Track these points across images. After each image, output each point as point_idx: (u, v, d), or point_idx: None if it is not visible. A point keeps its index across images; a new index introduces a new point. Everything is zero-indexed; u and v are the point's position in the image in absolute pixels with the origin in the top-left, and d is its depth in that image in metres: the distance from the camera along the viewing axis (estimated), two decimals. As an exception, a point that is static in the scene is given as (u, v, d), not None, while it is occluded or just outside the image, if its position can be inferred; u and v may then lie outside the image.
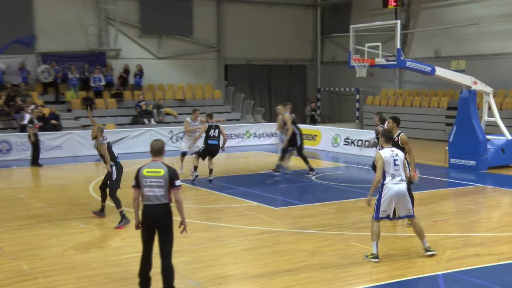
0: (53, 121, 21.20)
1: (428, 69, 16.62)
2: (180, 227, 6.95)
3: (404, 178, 8.15)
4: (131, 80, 25.81)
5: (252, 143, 22.87)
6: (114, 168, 10.41)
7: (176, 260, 8.14)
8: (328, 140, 21.22)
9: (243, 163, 17.98)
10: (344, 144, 20.28)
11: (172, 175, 6.69)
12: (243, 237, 9.49)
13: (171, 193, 6.73)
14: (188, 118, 15.71)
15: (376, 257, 8.05)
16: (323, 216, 10.96)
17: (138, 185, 6.75)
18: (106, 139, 10.54)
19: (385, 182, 8.06)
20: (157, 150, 6.82)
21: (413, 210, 8.44)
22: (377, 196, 8.20)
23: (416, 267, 7.89)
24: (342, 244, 9.01)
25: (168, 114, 24.76)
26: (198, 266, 7.96)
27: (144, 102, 23.99)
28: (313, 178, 15.04)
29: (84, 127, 22.27)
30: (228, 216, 10.93)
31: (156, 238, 6.86)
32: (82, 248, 8.89)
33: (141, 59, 26.49)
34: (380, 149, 8.42)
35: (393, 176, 8.05)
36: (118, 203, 10.31)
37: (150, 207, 6.74)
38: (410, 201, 8.37)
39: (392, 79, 28.70)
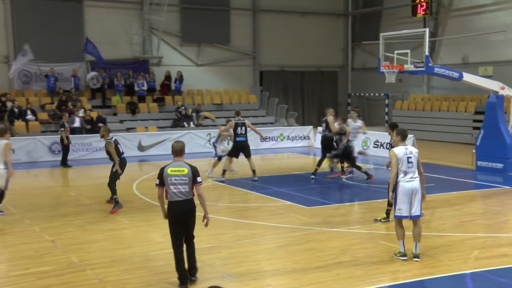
0: (100, 124, 21.59)
1: (455, 75, 16.30)
2: (203, 221, 7.12)
3: (417, 175, 7.85)
4: (172, 85, 26.11)
5: (286, 145, 22.84)
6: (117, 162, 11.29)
7: (213, 255, 8.22)
8: (358, 143, 20.99)
9: (277, 164, 17.97)
10: (374, 147, 20.05)
11: (195, 172, 6.94)
12: (277, 234, 9.48)
13: (194, 189, 6.96)
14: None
15: (403, 255, 7.93)
16: (354, 215, 10.87)
17: (162, 183, 6.96)
18: (112, 137, 11.48)
19: (398, 179, 7.84)
20: (178, 150, 7.01)
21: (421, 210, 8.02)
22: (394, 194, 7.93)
23: (443, 265, 7.74)
24: (371, 242, 8.91)
25: (206, 117, 24.96)
26: (234, 262, 7.99)
27: (183, 107, 24.20)
28: (343, 179, 14.94)
29: (128, 129, 22.63)
30: (262, 215, 10.94)
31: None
32: (126, 243, 9.03)
33: (181, 66, 26.78)
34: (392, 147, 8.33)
35: (406, 174, 7.83)
36: (114, 192, 11.26)
37: (178, 203, 6.93)
38: (420, 200, 7.97)
39: (421, 85, 28.25)
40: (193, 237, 7.17)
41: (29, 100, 22.53)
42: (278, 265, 7.88)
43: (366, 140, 20.79)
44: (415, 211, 7.92)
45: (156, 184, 6.97)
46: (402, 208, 7.85)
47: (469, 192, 12.86)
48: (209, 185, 14.19)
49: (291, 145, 22.98)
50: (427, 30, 16.33)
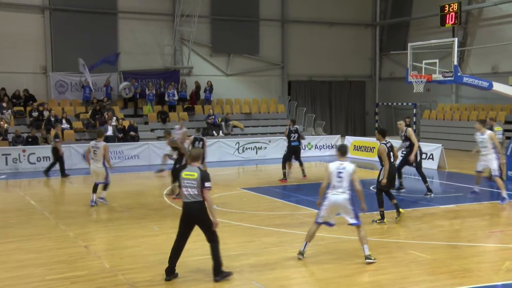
0: (132, 133, 21.89)
1: (485, 84, 16.02)
2: (212, 225, 7.43)
3: (345, 190, 8.03)
4: (202, 95, 26.31)
5: (313, 154, 22.73)
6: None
7: (241, 262, 8.21)
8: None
9: (305, 173, 17.82)
10: (401, 156, 19.77)
11: (203, 177, 7.28)
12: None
13: (203, 193, 7.27)
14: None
15: (301, 253, 8.23)
16: (381, 224, 10.72)
17: (180, 185, 7.54)
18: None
19: (327, 191, 8.17)
20: (195, 156, 7.51)
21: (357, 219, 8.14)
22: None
23: (473, 276, 7.57)
24: (399, 251, 8.77)
25: (235, 126, 25.05)
26: (262, 269, 7.96)
27: (213, 116, 24.35)
28: (371, 188, 14.75)
29: (159, 138, 22.87)
30: (290, 223, 10.88)
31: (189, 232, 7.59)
32: (156, 249, 9.08)
33: (211, 75, 27.00)
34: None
35: (334, 187, 8.08)
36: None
37: (187, 204, 7.38)
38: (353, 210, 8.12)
39: (449, 94, 27.82)
40: (212, 239, 7.44)
41: (64, 110, 23.00)
42: (306, 273, 7.83)
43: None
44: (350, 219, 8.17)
45: (178, 186, 7.59)
46: (324, 216, 8.21)
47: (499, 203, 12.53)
48: (235, 193, 14.21)
49: (318, 154, 22.87)
50: (456, 39, 16.12)
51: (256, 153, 21.96)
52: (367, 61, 31.67)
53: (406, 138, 13.40)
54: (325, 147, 23.34)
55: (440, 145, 18.82)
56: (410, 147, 13.37)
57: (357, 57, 30.89)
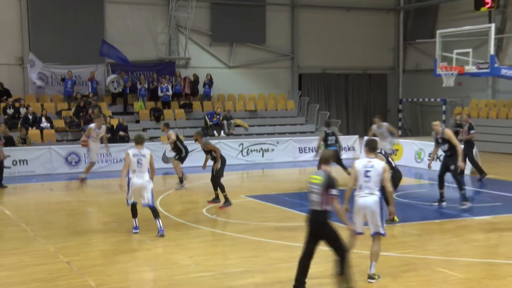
0: (121, 133, 21.92)
1: (526, 77, 15.94)
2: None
3: (373, 191, 8.01)
4: (200, 90, 26.30)
5: (328, 157, 22.67)
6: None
7: (246, 281, 8.19)
8: (410, 155, 20.73)
9: (318, 179, 17.87)
10: (429, 160, 19.71)
11: (329, 183, 7.33)
12: (318, 258, 9.34)
13: (328, 201, 7.35)
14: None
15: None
16: (405, 237, 10.67)
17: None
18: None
19: (354, 194, 8.20)
20: (326, 158, 7.73)
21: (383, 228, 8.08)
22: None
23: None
24: (426, 269, 8.72)
25: (238, 126, 25.04)
26: (270, 288, 7.93)
27: (218, 115, 24.31)
28: (394, 195, 14.69)
29: (152, 139, 22.89)
30: (301, 235, 10.74)
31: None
32: (149, 265, 9.08)
33: (211, 68, 27.01)
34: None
35: (361, 188, 8.08)
36: (222, 188, 13.32)
37: (311, 212, 7.54)
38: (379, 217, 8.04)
39: (484, 89, 27.71)
40: (340, 250, 7.42)
41: (44, 106, 23.06)
42: (320, 294, 7.79)
43: (420, 152, 20.47)
44: (375, 228, 8.12)
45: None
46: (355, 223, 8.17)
47: None
48: (239, 201, 14.20)
49: (334, 157, 22.78)
50: (493, 25, 16.10)
51: (262, 156, 21.96)
52: (389, 51, 31.60)
53: (444, 141, 13.08)
54: (340, 149, 23.23)
55: (474, 147, 18.72)
56: (450, 150, 13.02)
57: (377, 47, 30.82)
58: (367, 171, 8.03)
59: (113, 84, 24.37)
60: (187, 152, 16.42)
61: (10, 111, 22.20)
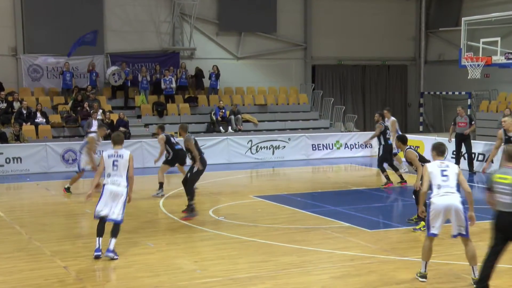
0: (122, 129, 21.98)
1: (558, 68, 15.86)
2: None
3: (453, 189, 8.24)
4: (206, 82, 26.33)
5: (343, 155, 22.69)
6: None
7: (255, 287, 8.21)
8: (433, 153, 20.64)
9: (332, 178, 17.89)
10: (452, 158, 19.66)
11: None
12: (332, 263, 9.41)
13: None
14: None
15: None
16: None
17: (491, 189, 7.57)
18: (191, 135, 13.08)
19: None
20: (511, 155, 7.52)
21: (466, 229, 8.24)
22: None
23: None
24: (450, 275, 8.72)
25: (246, 121, 25.05)
26: (280, 295, 7.97)
27: (223, 110, 24.36)
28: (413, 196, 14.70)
29: (154, 135, 22.93)
30: (314, 239, 10.88)
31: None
32: (151, 270, 9.13)
33: (218, 59, 27.02)
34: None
35: (439, 187, 8.22)
36: (192, 197, 12.46)
37: (501, 214, 7.44)
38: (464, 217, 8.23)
39: (513, 81, 27.56)
40: None
41: (39, 100, 23.18)
42: (334, 301, 7.82)
43: (443, 149, 20.40)
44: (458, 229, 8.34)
45: (487, 188, 7.67)
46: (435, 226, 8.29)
47: None
48: (248, 202, 14.24)
49: (349, 154, 22.83)
50: (522, 12, 15.99)
51: (273, 153, 21.98)
52: (410, 41, 31.49)
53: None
54: (357, 146, 23.29)
55: (502, 144, 18.63)
56: None
57: (397, 36, 30.72)
58: (444, 170, 8.31)
59: (114, 76, 24.43)
60: (176, 155, 15.29)
61: (2, 105, 22.33)
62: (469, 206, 8.25)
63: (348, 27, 29.42)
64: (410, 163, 11.59)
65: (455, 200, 8.15)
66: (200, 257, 9.80)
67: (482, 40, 16.57)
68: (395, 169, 16.54)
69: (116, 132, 10.73)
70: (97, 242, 9.63)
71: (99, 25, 24.73)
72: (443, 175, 8.21)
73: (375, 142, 23.09)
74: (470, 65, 16.28)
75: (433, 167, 8.33)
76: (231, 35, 27.76)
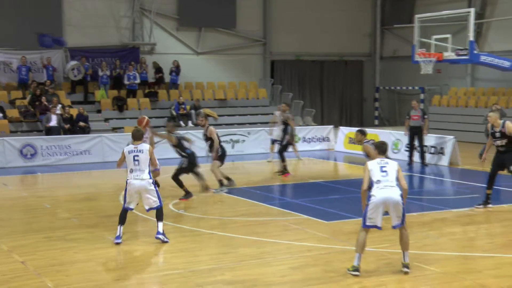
0: (81, 123, 21.72)
1: (506, 64, 16.29)
2: None
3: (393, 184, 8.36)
4: (167, 77, 26.17)
5: (301, 148, 22.73)
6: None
7: (215, 279, 8.22)
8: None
9: (291, 171, 17.94)
10: (406, 150, 19.98)
11: None
12: (290, 254, 9.47)
13: None
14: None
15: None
16: (381, 232, 10.78)
17: None
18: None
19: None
20: None
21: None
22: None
23: (490, 292, 7.70)
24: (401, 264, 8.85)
25: (207, 115, 24.91)
26: (239, 286, 7.99)
27: (183, 105, 24.25)
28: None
29: (114, 130, 22.72)
30: (273, 231, 10.93)
31: None
32: (112, 264, 9.04)
33: (178, 54, 26.89)
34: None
35: (379, 182, 8.30)
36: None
37: None
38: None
39: (463, 76, 28.14)
40: None
41: (-4, 95, 22.72)
42: (292, 291, 7.87)
43: (397, 143, 20.71)
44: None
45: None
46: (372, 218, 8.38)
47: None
48: (207, 195, 14.22)
49: (307, 148, 22.96)
50: (472, 10, 16.37)
51: (233, 147, 21.94)
52: (366, 37, 31.85)
53: (504, 136, 12.02)
54: (315, 139, 23.45)
55: (452, 137, 19.04)
56: (508, 146, 12.01)
57: (354, 32, 31.04)
58: (383, 167, 8.40)
59: (73, 71, 24.12)
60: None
61: (-43, 100, 21.81)
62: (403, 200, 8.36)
63: (307, 24, 29.59)
64: (367, 156, 11.69)
65: (395, 193, 8.24)
66: (161, 250, 9.76)
67: (434, 37, 16.89)
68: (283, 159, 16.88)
69: (136, 128, 11.00)
70: (118, 229, 9.95)
71: (57, 20, 24.31)
72: (382, 171, 8.35)
73: (332, 135, 23.34)
74: (423, 61, 16.58)
75: (373, 164, 8.48)
76: (191, 30, 27.65)
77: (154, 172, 11.25)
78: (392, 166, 8.44)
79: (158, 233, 9.93)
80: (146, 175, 9.87)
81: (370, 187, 8.37)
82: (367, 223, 8.36)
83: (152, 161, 10.01)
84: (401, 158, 20.10)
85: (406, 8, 29.78)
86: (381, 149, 8.79)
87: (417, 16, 17.45)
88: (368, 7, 31.66)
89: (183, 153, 13.79)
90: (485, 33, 26.96)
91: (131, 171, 9.90)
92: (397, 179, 8.39)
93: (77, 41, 25.15)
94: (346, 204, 13.80)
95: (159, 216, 10.00)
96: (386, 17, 31.51)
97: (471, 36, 15.92)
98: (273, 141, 19.30)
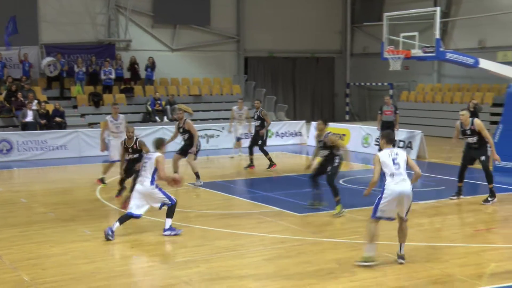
0: (57, 119, 21.46)
1: (471, 61, 16.46)
2: None
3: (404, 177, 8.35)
4: (142, 74, 25.98)
5: (274, 143, 22.79)
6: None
7: (190, 271, 8.20)
8: (357, 140, 21.11)
9: (264, 165, 17.97)
10: (376, 145, 20.13)
11: None
12: (264, 246, 9.49)
13: None
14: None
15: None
16: (352, 223, 10.90)
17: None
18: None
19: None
20: None
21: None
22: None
23: (455, 281, 7.80)
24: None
25: (183, 111, 24.82)
26: (214, 278, 7.97)
27: (158, 102, 24.12)
28: (341, 181, 14.97)
29: (90, 125, 22.49)
30: (247, 223, 10.93)
31: None
32: (88, 257, 8.96)
33: (153, 50, 26.70)
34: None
35: (393, 175, 8.27)
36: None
37: None
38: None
39: (430, 73, 28.45)
40: None
41: (-29, 91, 22.30)
42: (266, 281, 7.88)
43: (367, 137, 20.87)
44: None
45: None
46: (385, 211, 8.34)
47: (485, 197, 12.95)
48: (182, 189, 14.16)
49: (280, 142, 23.00)
50: (438, 9, 16.51)
51: (207, 142, 21.87)
52: (337, 34, 31.98)
53: (474, 133, 12.17)
54: (287, 134, 23.50)
55: (420, 131, 19.24)
56: (480, 142, 12.22)
57: (325, 30, 31.15)
58: (394, 159, 8.32)
59: (50, 67, 23.81)
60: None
61: None
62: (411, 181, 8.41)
63: (279, 21, 29.60)
64: (331, 146, 11.47)
65: (408, 187, 8.27)
66: (136, 243, 9.69)
67: (402, 34, 17.00)
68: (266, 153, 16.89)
69: (158, 137, 11.06)
70: (113, 224, 9.81)
71: (32, 16, 23.95)
72: (394, 163, 8.28)
73: (304, 130, 23.40)
74: (392, 57, 16.69)
75: (384, 156, 8.37)
76: (166, 27, 27.48)
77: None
78: (401, 157, 8.37)
79: (164, 230, 9.92)
80: (148, 182, 9.86)
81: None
82: (378, 215, 8.34)
83: (158, 171, 9.88)
84: (371, 152, 20.26)
85: (375, 6, 29.97)
86: (389, 138, 8.69)
87: (386, 14, 17.56)
88: (339, 5, 31.78)
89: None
90: (450, 31, 27.29)
91: (140, 175, 10.10)
92: (409, 167, 8.36)
93: (53, 38, 24.81)
94: (319, 197, 13.83)
95: (169, 213, 9.99)
96: (356, 15, 31.67)
97: (437, 34, 16.06)
98: (238, 138, 19.18)
